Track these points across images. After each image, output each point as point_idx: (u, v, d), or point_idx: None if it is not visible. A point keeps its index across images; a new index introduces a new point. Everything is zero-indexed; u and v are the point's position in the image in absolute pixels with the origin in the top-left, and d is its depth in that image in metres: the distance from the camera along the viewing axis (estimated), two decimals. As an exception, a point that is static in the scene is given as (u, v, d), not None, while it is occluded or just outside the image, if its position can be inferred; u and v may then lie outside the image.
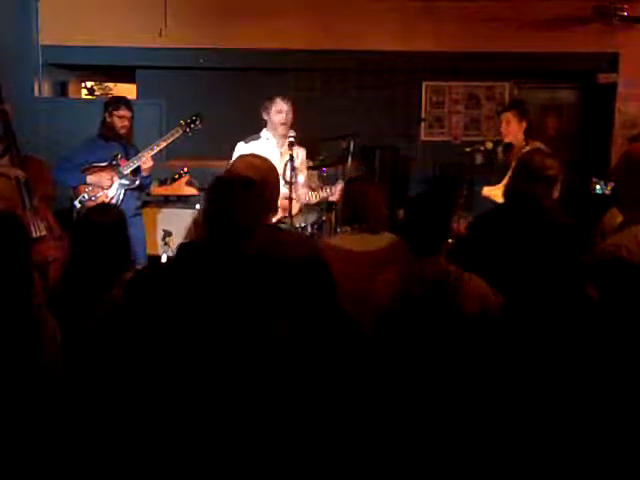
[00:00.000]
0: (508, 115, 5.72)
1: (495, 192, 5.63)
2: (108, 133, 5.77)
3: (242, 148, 5.25)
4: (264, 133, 5.37)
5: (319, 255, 3.23)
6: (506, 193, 3.79)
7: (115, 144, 5.77)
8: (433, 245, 3.09)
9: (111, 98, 6.07)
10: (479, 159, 7.21)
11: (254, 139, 5.36)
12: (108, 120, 5.78)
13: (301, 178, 5.41)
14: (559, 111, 9.35)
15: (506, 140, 5.74)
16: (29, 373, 2.53)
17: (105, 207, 3.68)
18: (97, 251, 3.18)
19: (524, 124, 5.64)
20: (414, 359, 3.00)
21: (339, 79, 8.99)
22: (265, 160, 3.43)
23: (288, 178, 4.92)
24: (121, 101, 5.83)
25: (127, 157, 5.74)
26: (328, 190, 5.43)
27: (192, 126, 5.95)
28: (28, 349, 2.53)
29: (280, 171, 4.89)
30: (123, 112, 5.75)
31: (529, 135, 5.63)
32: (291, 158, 4.98)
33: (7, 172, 5.09)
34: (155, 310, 2.59)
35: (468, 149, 6.67)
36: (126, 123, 5.77)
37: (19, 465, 2.50)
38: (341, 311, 3.03)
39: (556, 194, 3.70)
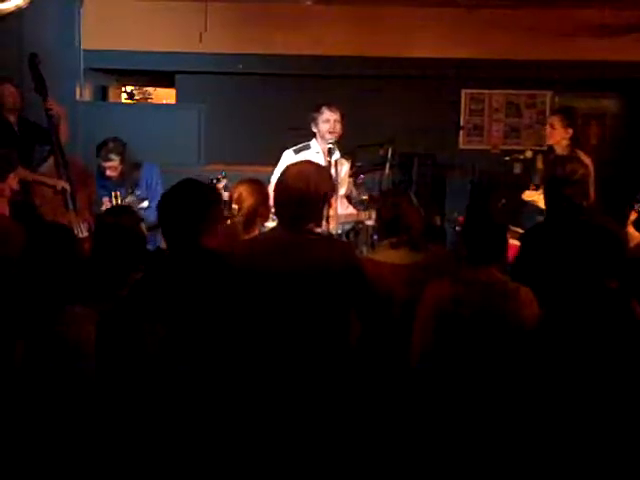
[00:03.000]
0: (554, 119, 5.65)
1: (536, 197, 5.56)
2: (101, 174, 5.63)
3: (291, 157, 5.18)
4: (314, 144, 5.28)
5: (357, 262, 3.20)
6: (547, 205, 3.78)
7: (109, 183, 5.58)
8: (492, 254, 3.09)
9: (99, 146, 5.66)
10: (518, 168, 7.13)
11: (304, 149, 5.26)
12: (99, 163, 5.62)
13: (342, 190, 5.37)
14: (602, 120, 9.23)
15: (548, 142, 5.66)
16: (66, 376, 2.54)
17: (120, 210, 3.69)
18: (110, 251, 3.22)
19: (570, 131, 5.53)
20: (467, 367, 2.98)
21: (378, 86, 8.95)
22: (318, 167, 3.39)
23: None
24: (103, 153, 5.55)
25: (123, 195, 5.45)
26: (365, 214, 5.36)
27: None
28: (67, 353, 2.54)
29: None
30: (106, 164, 5.52)
31: (575, 144, 5.53)
32: (329, 164, 4.94)
33: (55, 184, 5.15)
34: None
35: (507, 158, 6.58)
36: (112, 173, 5.53)
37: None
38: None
39: (592, 194, 3.72)
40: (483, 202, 3.63)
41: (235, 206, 3.98)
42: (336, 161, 5.04)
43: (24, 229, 3.03)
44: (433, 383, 3.03)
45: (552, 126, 5.61)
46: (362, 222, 5.45)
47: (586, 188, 3.71)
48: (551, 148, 5.64)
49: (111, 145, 5.50)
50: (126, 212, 3.60)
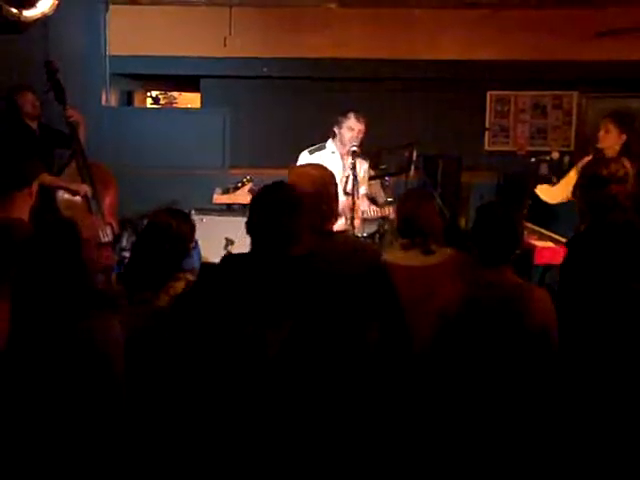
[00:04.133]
0: (608, 123, 5.44)
1: (548, 191, 5.51)
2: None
3: (306, 158, 5.19)
4: (329, 145, 5.28)
5: (381, 264, 3.19)
6: (588, 205, 3.72)
7: None
8: (501, 255, 3.04)
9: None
10: (544, 169, 7.07)
11: (319, 150, 5.27)
12: None
13: (362, 190, 5.36)
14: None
15: (599, 146, 5.45)
16: (88, 377, 2.55)
17: (172, 211, 3.64)
18: (150, 251, 3.18)
19: (623, 137, 5.37)
20: (474, 368, 2.95)
21: (402, 88, 8.94)
22: (323, 169, 3.38)
23: (349, 189, 4.91)
24: None
25: None
26: (388, 210, 5.36)
27: None
28: (83, 354, 2.55)
29: (342, 183, 4.89)
30: None
31: (626, 150, 5.35)
32: (353, 167, 4.94)
33: (78, 189, 5.20)
34: (204, 319, 2.64)
35: (533, 159, 6.54)
36: None
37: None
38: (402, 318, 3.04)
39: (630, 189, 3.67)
40: (494, 202, 3.56)
41: None
42: (355, 158, 5.04)
43: (32, 230, 3.02)
44: (445, 385, 3.00)
45: (607, 130, 5.40)
46: (387, 217, 5.44)
47: (628, 188, 3.66)
48: (600, 151, 5.45)
49: None
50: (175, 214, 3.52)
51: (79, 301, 2.61)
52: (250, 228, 2.75)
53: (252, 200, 2.82)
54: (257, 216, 2.74)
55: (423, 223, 3.60)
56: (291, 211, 2.71)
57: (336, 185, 3.35)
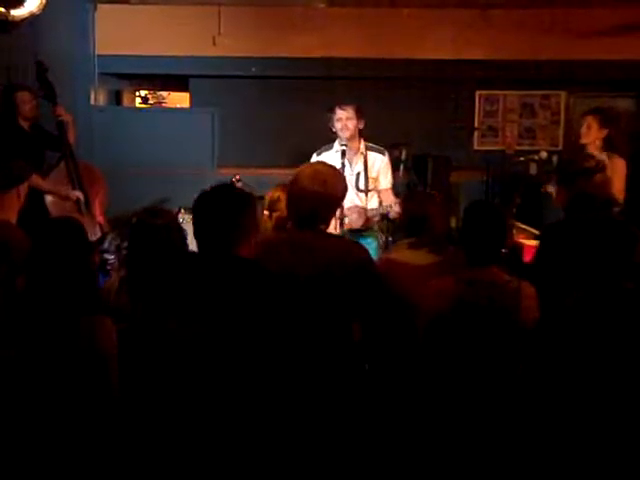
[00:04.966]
0: (589, 119, 5.50)
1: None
2: None
3: (313, 160, 5.21)
4: (336, 144, 5.31)
5: (369, 262, 3.20)
6: (571, 198, 3.73)
7: None
8: (489, 255, 3.06)
9: None
10: (534, 169, 7.09)
11: (326, 150, 5.28)
12: None
13: (383, 184, 5.29)
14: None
15: (582, 141, 5.52)
16: (83, 372, 2.56)
17: (157, 211, 3.63)
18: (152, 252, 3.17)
19: (604, 131, 5.42)
20: (466, 366, 2.97)
21: (391, 87, 8.95)
22: (332, 169, 3.38)
23: (362, 187, 5.08)
24: None
25: None
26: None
27: None
28: (82, 352, 2.55)
29: (352, 181, 4.98)
30: None
31: (609, 145, 5.39)
32: (343, 166, 4.95)
33: (68, 194, 5.19)
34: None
35: (522, 159, 6.55)
36: None
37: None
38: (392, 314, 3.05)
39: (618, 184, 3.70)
40: (481, 201, 3.61)
41: (266, 212, 3.94)
42: (366, 155, 5.16)
43: (29, 235, 3.01)
44: (436, 383, 3.01)
45: (588, 126, 5.45)
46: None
47: (606, 175, 3.71)
48: (583, 147, 5.50)
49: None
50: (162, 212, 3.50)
51: (84, 301, 2.62)
52: (194, 227, 2.73)
53: (196, 202, 2.78)
54: (199, 216, 2.73)
55: (430, 222, 3.62)
56: (234, 212, 2.68)
57: (345, 187, 3.34)
